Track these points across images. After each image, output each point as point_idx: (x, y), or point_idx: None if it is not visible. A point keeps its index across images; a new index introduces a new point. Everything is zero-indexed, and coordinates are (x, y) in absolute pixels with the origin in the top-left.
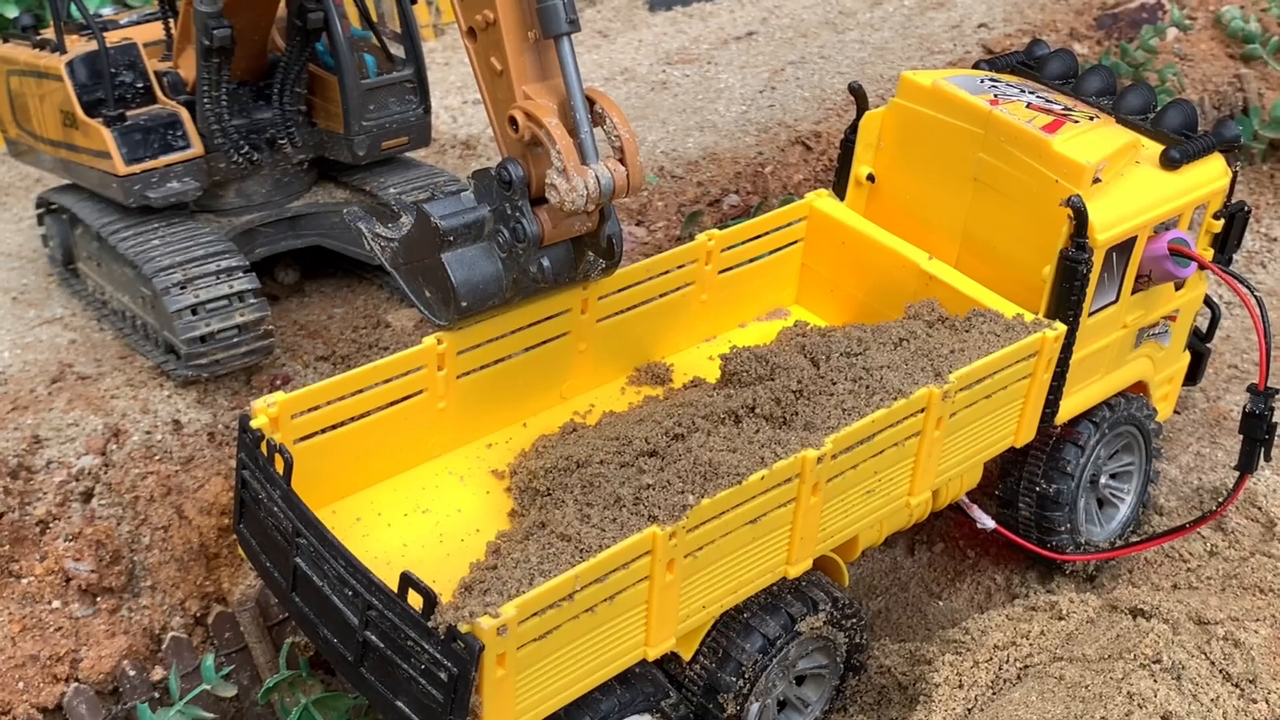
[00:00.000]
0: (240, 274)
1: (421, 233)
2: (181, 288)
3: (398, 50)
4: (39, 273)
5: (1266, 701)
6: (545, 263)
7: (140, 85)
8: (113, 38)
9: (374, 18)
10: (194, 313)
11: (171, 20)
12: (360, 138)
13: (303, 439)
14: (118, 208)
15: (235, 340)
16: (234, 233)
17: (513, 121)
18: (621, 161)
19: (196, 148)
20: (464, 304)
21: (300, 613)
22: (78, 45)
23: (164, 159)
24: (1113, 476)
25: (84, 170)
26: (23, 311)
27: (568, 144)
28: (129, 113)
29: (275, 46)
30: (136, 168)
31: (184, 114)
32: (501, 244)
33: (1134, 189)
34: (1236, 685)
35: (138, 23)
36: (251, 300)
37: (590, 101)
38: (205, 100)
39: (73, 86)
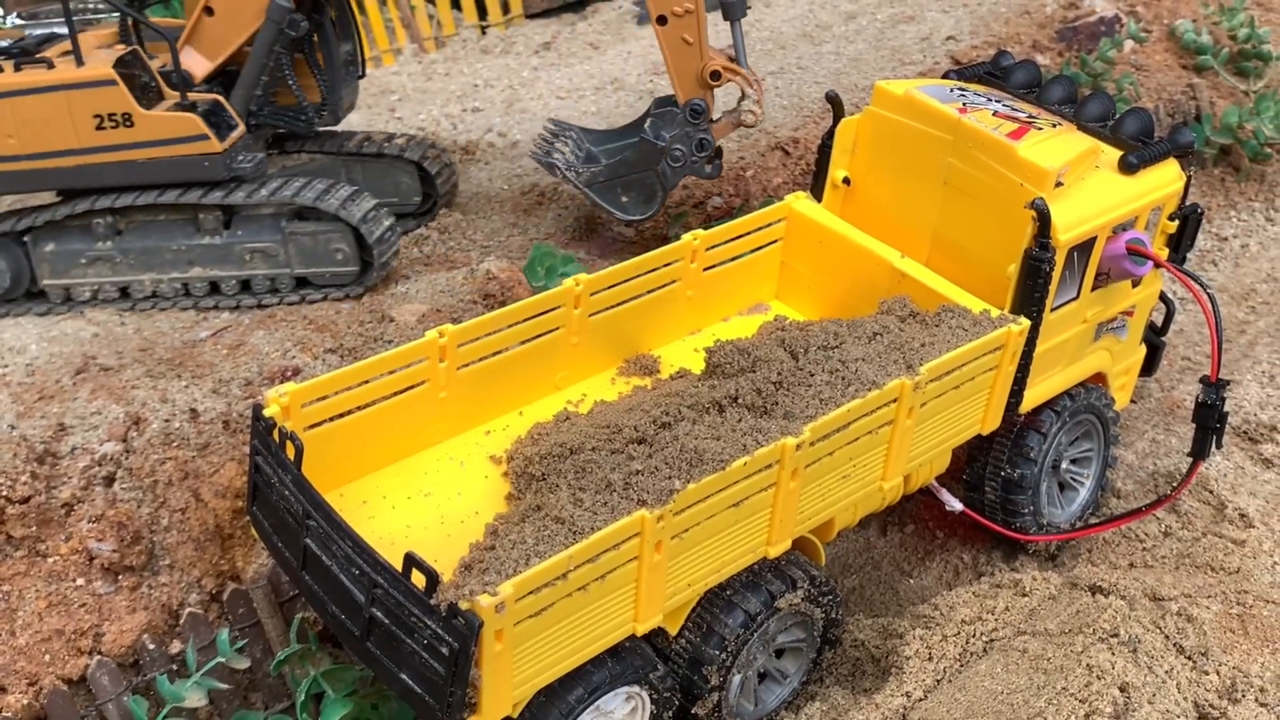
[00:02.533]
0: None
1: (640, 155)
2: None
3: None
4: None
5: (1217, 673)
6: (719, 162)
7: (152, 83)
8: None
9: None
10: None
11: (130, 24)
12: (340, 104)
13: (312, 426)
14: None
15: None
16: None
17: (715, 74)
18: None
19: (242, 127)
20: (663, 201)
21: (310, 590)
22: (94, 54)
23: (232, 136)
24: (1073, 462)
25: (136, 165)
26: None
27: (759, 86)
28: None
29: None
30: (226, 143)
31: (223, 100)
32: (677, 157)
33: (1094, 192)
34: (1189, 658)
35: (92, 24)
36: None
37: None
38: (263, 86)
39: (127, 88)
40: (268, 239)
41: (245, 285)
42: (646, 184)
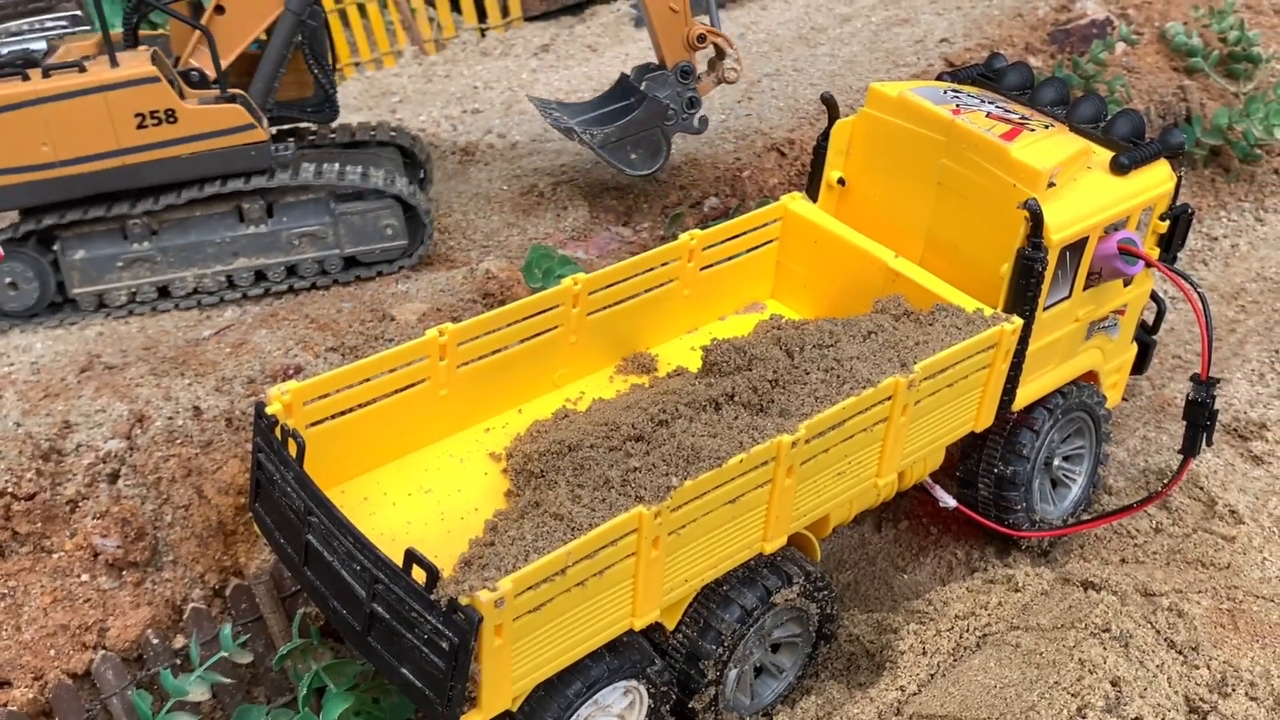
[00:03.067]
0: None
1: (648, 114)
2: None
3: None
4: None
5: (1208, 668)
6: (704, 116)
7: (174, 82)
8: (85, 46)
9: None
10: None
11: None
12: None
13: (314, 424)
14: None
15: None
16: None
17: (701, 38)
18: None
19: (265, 119)
20: (667, 155)
21: (312, 585)
22: (125, 56)
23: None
24: (1065, 459)
25: (180, 160)
26: None
27: (737, 46)
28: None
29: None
30: (266, 133)
31: (247, 95)
32: (670, 115)
33: (1086, 192)
34: (1180, 652)
35: (61, 37)
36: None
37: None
38: (278, 79)
39: (169, 84)
40: (315, 222)
41: (291, 270)
42: (652, 140)
